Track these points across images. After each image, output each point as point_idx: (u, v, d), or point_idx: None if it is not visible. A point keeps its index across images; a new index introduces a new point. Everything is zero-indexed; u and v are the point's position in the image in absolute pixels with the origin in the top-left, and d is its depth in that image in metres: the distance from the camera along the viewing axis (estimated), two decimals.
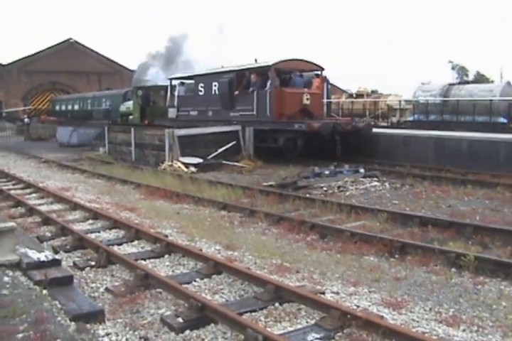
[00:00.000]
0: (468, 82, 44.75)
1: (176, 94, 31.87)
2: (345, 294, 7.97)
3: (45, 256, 7.97)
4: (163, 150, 24.33)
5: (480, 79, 67.43)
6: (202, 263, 9.18)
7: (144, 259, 9.69)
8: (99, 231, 12.03)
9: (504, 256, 9.62)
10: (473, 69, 76.53)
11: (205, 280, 8.55)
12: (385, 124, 38.27)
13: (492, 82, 61.06)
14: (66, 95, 68.36)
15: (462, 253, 9.36)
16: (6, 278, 7.22)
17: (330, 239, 11.42)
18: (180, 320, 6.73)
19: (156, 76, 45.16)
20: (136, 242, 11.08)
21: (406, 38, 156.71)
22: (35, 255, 7.99)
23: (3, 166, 25.89)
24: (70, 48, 72.99)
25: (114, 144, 30.42)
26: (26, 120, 55.16)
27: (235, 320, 6.40)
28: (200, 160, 23.33)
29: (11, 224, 8.13)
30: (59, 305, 6.65)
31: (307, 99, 25.28)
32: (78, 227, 12.22)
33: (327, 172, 19.15)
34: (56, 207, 15.27)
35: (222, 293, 8.00)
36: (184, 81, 32.26)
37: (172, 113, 31.60)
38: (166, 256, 9.98)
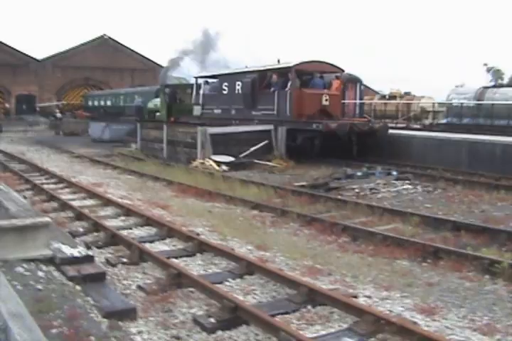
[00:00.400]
0: (503, 85, 44.23)
1: (201, 92, 32.35)
2: (378, 298, 7.89)
3: (79, 252, 7.99)
4: (195, 148, 24.35)
5: None
6: (234, 263, 9.14)
7: (176, 257, 9.65)
8: (131, 228, 12.03)
9: None
10: (508, 72, 75.59)
11: (238, 280, 8.51)
12: (417, 126, 37.96)
13: None
14: (99, 91, 68.79)
15: (496, 260, 9.23)
16: (40, 273, 7.25)
17: (362, 241, 11.32)
18: (212, 320, 6.70)
19: (187, 72, 45.22)
20: (168, 240, 11.06)
21: (440, 40, 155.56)
22: (68, 250, 8.01)
23: (36, 160, 26.05)
24: (104, 44, 73.49)
25: (146, 141, 30.53)
26: (59, 115, 55.55)
27: (267, 321, 6.37)
28: (232, 159, 23.30)
29: (46, 219, 8.16)
30: (92, 302, 6.67)
31: (326, 100, 25.73)
32: (110, 223, 12.22)
33: (359, 173, 19.04)
34: (89, 202, 15.32)
35: (255, 293, 7.96)
36: (209, 80, 32.81)
37: (197, 111, 32.11)
38: (198, 254, 9.95)
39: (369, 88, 56.56)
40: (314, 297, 7.38)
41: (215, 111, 30.76)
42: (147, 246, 10.30)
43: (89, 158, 27.68)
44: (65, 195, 16.21)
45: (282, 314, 7.07)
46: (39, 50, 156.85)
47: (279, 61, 28.11)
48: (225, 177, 19.35)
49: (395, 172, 19.49)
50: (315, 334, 6.48)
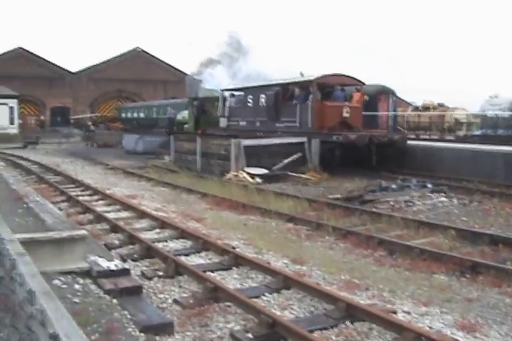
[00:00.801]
0: None
1: (227, 105, 33.20)
2: (417, 314, 7.77)
3: (115, 265, 7.98)
4: (229, 160, 24.34)
5: None
6: (271, 277, 9.05)
7: (212, 271, 9.60)
8: (166, 241, 11.99)
9: None
10: None
11: (274, 294, 8.41)
12: (451, 138, 37.64)
13: None
14: (132, 103, 69.36)
15: None
16: (76, 286, 7.26)
17: (398, 255, 11.20)
18: (249, 335, 6.64)
19: (217, 83, 45.66)
20: (203, 253, 10.99)
21: (473, 50, 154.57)
22: (105, 263, 8.01)
23: (71, 172, 26.20)
24: (136, 57, 74.28)
25: (180, 153, 30.64)
26: (92, 127, 56.02)
27: (306, 337, 6.28)
28: (266, 171, 23.26)
29: (83, 232, 8.18)
30: (128, 316, 6.64)
31: (347, 112, 26.17)
32: (145, 236, 12.20)
33: (394, 186, 18.89)
34: (123, 214, 15.34)
35: (292, 308, 7.85)
36: (235, 93, 33.54)
37: (223, 122, 32.92)
38: (234, 268, 9.87)
39: (401, 99, 56.25)
40: (353, 312, 7.27)
41: (241, 123, 31.48)
42: (183, 259, 10.26)
43: (123, 170, 27.80)
44: (100, 207, 16.25)
45: (320, 330, 6.99)
46: (73, 63, 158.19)
47: (302, 74, 29.15)
48: (259, 190, 19.31)
49: (430, 185, 19.31)
50: None
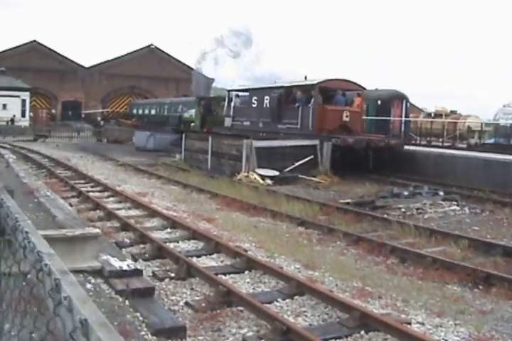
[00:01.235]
0: None
1: (232, 105, 33.57)
2: (431, 325, 7.65)
3: (127, 265, 7.89)
4: (240, 161, 24.28)
5: None
6: (284, 283, 8.94)
7: (224, 274, 9.49)
8: (177, 241, 11.89)
9: None
10: None
11: (287, 300, 8.30)
12: (463, 146, 37.43)
13: None
14: (144, 99, 69.39)
15: None
16: (88, 285, 7.16)
17: (410, 263, 11.12)
18: None
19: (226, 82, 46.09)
20: (215, 255, 10.89)
21: (486, 57, 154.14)
22: (117, 263, 7.91)
23: (81, 167, 26.19)
24: (150, 54, 74.32)
25: (191, 151, 30.64)
26: (101, 122, 56.04)
27: None
28: (277, 173, 23.17)
29: (96, 230, 8.09)
30: (141, 318, 6.55)
31: (347, 116, 26.76)
32: (157, 235, 12.12)
33: (406, 193, 18.76)
34: (134, 212, 15.28)
35: (305, 315, 7.74)
36: (240, 93, 34.34)
37: (228, 122, 33.32)
38: (247, 272, 9.76)
39: (413, 105, 56.07)
40: (367, 322, 7.16)
41: (245, 123, 31.92)
42: (194, 260, 10.18)
43: (134, 167, 27.77)
44: (111, 204, 16.19)
45: (334, 339, 6.89)
46: (87, 57, 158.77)
47: (306, 77, 29.51)
48: (269, 192, 19.23)
49: (441, 193, 19.16)
50: None
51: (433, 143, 37.14)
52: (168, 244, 11.33)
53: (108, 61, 73.66)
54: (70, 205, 15.01)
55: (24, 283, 2.08)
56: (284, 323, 6.73)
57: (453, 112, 46.32)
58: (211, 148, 27.81)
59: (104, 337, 1.32)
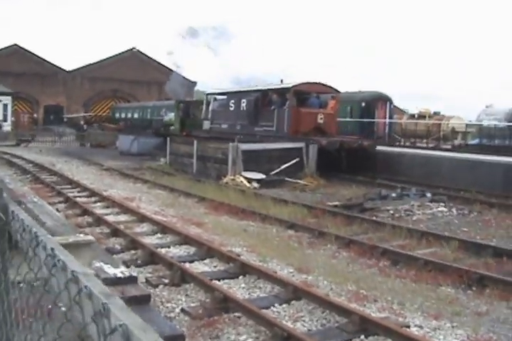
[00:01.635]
0: None
1: (211, 108, 34.19)
2: (429, 328, 7.61)
3: (122, 273, 7.76)
4: (226, 164, 24.26)
5: None
6: (279, 287, 8.87)
7: (219, 280, 9.39)
8: (169, 247, 11.78)
9: None
10: None
11: (284, 305, 8.22)
12: (447, 147, 37.53)
13: None
14: (127, 103, 69.09)
15: None
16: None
17: (402, 265, 11.09)
18: None
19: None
20: (208, 260, 10.80)
21: (470, 60, 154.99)
22: (111, 270, 7.80)
23: (66, 172, 25.99)
24: (132, 57, 73.97)
25: (176, 155, 30.59)
26: (84, 126, 55.70)
27: None
28: (263, 176, 23.13)
29: (89, 237, 7.96)
30: None
31: (321, 118, 27.65)
32: (147, 241, 12.03)
33: (393, 194, 18.77)
34: (123, 218, 15.15)
35: (303, 321, 7.66)
36: (218, 96, 35.15)
37: (206, 125, 34.02)
38: (241, 277, 9.67)
39: (396, 107, 56.14)
40: (366, 326, 7.11)
41: (223, 125, 32.65)
42: (187, 266, 10.09)
43: (119, 171, 27.57)
44: (99, 210, 16.07)
45: None
46: (69, 61, 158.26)
47: (282, 81, 30.31)
48: (257, 195, 19.17)
49: (429, 194, 19.19)
50: None
51: (417, 145, 37.28)
52: (159, 249, 11.24)
53: (90, 65, 73.10)
54: (58, 211, 14.89)
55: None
56: (284, 329, 6.66)
57: (436, 113, 46.45)
58: (196, 151, 27.74)
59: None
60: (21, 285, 2.60)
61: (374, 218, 15.77)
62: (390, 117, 39.32)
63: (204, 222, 14.92)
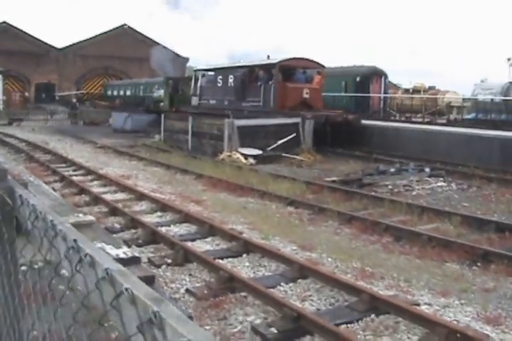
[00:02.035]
0: None
1: (199, 84, 34.58)
2: (439, 306, 7.48)
3: (124, 253, 7.59)
4: (221, 140, 24.06)
5: None
6: (285, 266, 8.70)
7: (222, 258, 9.21)
8: (169, 225, 11.58)
9: None
10: None
11: (291, 284, 8.06)
12: (443, 122, 37.34)
13: None
14: (119, 81, 68.64)
15: None
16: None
17: (406, 242, 10.93)
18: (273, 330, 6.30)
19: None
20: (210, 239, 10.62)
21: (460, 33, 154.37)
22: (113, 251, 7.61)
23: (60, 150, 25.74)
24: (123, 34, 73.35)
25: (171, 132, 30.39)
26: (77, 104, 55.26)
27: (334, 332, 5.96)
28: (260, 152, 22.94)
29: (90, 217, 7.81)
30: None
31: (307, 93, 27.95)
32: (147, 219, 11.85)
33: (392, 170, 18.63)
34: (121, 196, 14.93)
35: (312, 300, 7.50)
36: (206, 73, 35.50)
37: (195, 101, 34.28)
38: (244, 255, 9.50)
39: (390, 82, 55.82)
40: (377, 305, 6.96)
41: (211, 101, 32.92)
42: (189, 245, 9.91)
43: (114, 149, 27.30)
44: (96, 188, 15.86)
45: (346, 323, 6.67)
46: (60, 38, 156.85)
47: (268, 57, 30.58)
48: (254, 171, 18.99)
49: (427, 169, 19.06)
50: None
51: (413, 120, 37.06)
52: (160, 228, 11.06)
53: (81, 42, 72.46)
54: (54, 190, 14.69)
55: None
56: (293, 309, 6.50)
57: (431, 88, 46.13)
58: (191, 128, 27.53)
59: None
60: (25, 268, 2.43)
61: (373, 193, 15.60)
62: (385, 92, 39.08)
63: (203, 200, 14.73)
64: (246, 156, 22.46)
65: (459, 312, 7.31)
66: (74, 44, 71.87)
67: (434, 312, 7.16)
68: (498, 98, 35.11)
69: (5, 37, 65.62)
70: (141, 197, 14.43)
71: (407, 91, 46.69)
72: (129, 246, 9.54)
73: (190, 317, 6.30)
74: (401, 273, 8.87)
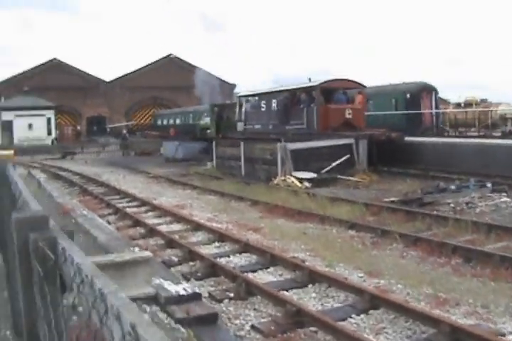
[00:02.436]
0: None
1: (244, 109, 34.51)
2: None
3: (184, 289, 7.24)
4: (275, 165, 23.81)
5: None
6: (354, 296, 8.22)
7: (286, 290, 8.75)
8: (228, 256, 11.18)
9: None
10: None
11: (362, 316, 7.56)
12: (498, 134, 36.44)
13: None
14: (168, 110, 69.09)
15: None
16: (144, 315, 6.52)
17: (476, 263, 10.35)
18: None
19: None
20: (272, 269, 10.16)
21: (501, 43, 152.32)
22: (172, 287, 7.28)
23: (113, 182, 25.66)
24: (170, 63, 74.15)
25: (223, 159, 30.43)
26: (126, 135, 55.67)
27: None
28: (314, 175, 22.52)
29: (147, 253, 7.48)
30: None
31: (349, 113, 27.87)
32: (205, 251, 11.47)
33: (452, 187, 18.02)
34: (176, 227, 14.59)
35: (387, 333, 6.98)
36: (250, 98, 35.67)
37: (240, 126, 34.01)
38: (310, 285, 9.00)
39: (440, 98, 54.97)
40: (459, 337, 6.43)
41: (256, 126, 32.92)
42: (250, 276, 9.48)
43: (166, 178, 27.17)
44: (150, 219, 15.60)
45: None
46: (107, 71, 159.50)
47: (310, 80, 30.70)
48: (310, 195, 18.55)
49: (489, 185, 18.39)
50: None
51: (467, 134, 36.30)
52: (219, 259, 10.67)
53: (129, 74, 73.53)
54: (108, 223, 14.47)
55: None
56: None
57: (483, 101, 45.23)
58: (243, 153, 27.38)
59: None
60: None
61: (435, 212, 15.04)
62: (436, 107, 38.38)
63: (260, 227, 14.30)
64: (301, 180, 22.06)
65: None
66: (121, 76, 72.96)
67: None
68: None
69: (56, 72, 67.00)
70: (198, 227, 14.05)
71: (458, 105, 45.84)
72: (188, 280, 9.17)
73: None
74: (477, 299, 8.31)
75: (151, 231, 13.57)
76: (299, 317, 7.17)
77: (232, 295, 8.44)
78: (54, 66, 69.22)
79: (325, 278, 9.02)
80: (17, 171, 15.21)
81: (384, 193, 19.08)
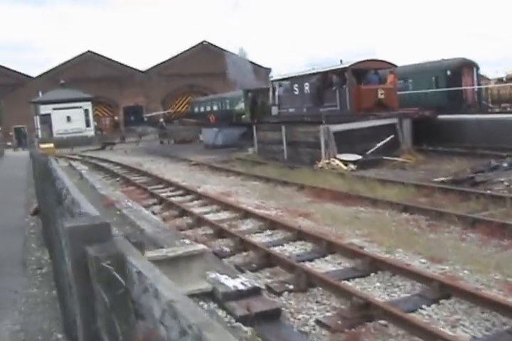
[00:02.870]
0: None
1: (277, 94, 34.45)
2: None
3: (242, 284, 6.85)
4: (318, 148, 23.41)
5: None
6: (421, 284, 7.74)
7: (348, 279, 8.27)
8: (282, 244, 10.72)
9: None
10: None
11: (433, 306, 7.05)
12: None
13: None
14: (204, 97, 68.85)
15: None
16: None
17: None
18: None
19: None
20: (329, 257, 9.69)
21: None
22: (229, 282, 6.89)
23: (155, 171, 25.42)
24: (204, 51, 73.99)
25: (264, 143, 30.24)
26: (163, 124, 55.56)
27: None
28: (359, 157, 22.05)
29: (201, 246, 7.10)
30: None
31: (381, 93, 27.77)
32: (257, 239, 11.07)
33: (505, 164, 17.39)
34: (224, 215, 14.19)
35: (463, 325, 6.45)
36: (282, 82, 35.21)
37: (274, 111, 33.99)
38: (372, 274, 8.50)
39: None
40: None
41: (290, 110, 32.89)
42: (308, 266, 9.03)
43: (208, 165, 26.91)
44: (196, 208, 15.23)
45: None
46: (142, 61, 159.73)
47: (341, 61, 30.69)
48: (358, 178, 18.08)
49: None
50: None
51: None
52: (273, 248, 10.25)
53: (163, 62, 73.54)
54: (154, 214, 14.16)
55: None
56: (446, 340, 5.55)
57: None
58: (285, 137, 27.09)
59: None
60: None
61: (489, 192, 14.45)
62: (478, 84, 37.46)
63: (310, 212, 13.84)
64: (346, 162, 21.60)
65: None
66: (156, 65, 72.95)
67: None
68: None
69: (90, 65, 67.44)
70: (246, 214, 13.63)
71: (500, 80, 44.80)
72: (243, 272, 8.75)
73: None
74: None
75: (199, 221, 13.20)
76: (366, 310, 6.73)
77: (291, 287, 7.99)
78: (88, 58, 69.68)
79: (387, 266, 8.55)
80: (59, 164, 14.95)
81: (432, 173, 18.57)
